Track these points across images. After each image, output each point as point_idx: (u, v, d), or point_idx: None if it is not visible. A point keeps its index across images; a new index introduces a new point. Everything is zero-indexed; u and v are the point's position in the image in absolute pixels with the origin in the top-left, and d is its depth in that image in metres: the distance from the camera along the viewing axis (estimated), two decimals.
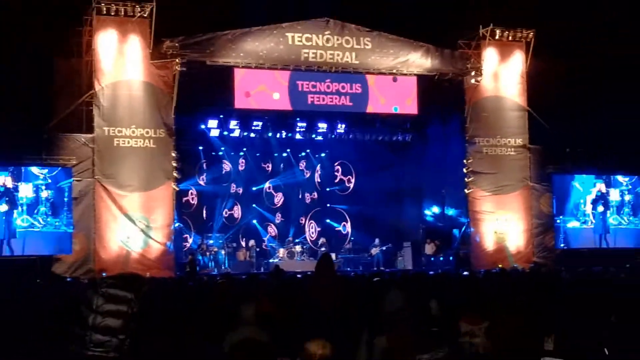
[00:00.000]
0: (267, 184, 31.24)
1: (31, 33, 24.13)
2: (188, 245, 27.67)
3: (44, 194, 23.94)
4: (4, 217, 23.50)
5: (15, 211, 23.67)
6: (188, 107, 25.93)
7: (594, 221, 28.75)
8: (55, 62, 25.16)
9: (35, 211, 23.82)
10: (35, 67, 24.98)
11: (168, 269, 24.18)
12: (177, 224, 26.23)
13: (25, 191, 23.86)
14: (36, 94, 25.04)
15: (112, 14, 24.50)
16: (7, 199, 23.66)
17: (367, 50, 26.74)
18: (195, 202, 29.71)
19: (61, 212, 24.03)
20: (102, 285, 2.99)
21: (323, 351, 4.65)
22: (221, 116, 27.50)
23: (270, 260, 27.52)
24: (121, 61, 24.78)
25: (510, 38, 28.65)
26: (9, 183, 23.71)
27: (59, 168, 24.25)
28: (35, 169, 24.01)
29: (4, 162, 23.93)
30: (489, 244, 27.93)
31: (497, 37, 28.43)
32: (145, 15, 24.68)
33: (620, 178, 29.34)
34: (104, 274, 20.83)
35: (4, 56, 24.57)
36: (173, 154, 25.37)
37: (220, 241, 28.28)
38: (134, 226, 24.41)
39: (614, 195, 29.10)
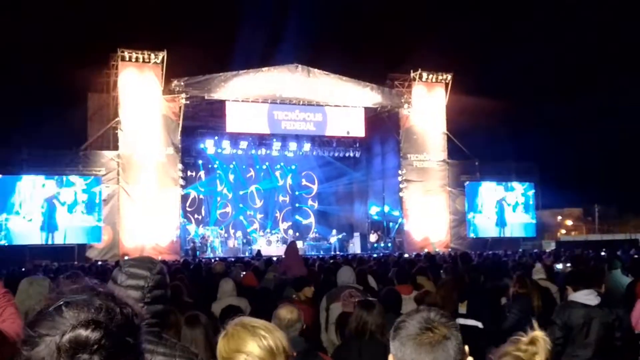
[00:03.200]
0: (250, 189, 31.96)
1: (71, 74, 25.06)
2: (190, 235, 28.28)
3: (81, 196, 24.76)
4: (54, 214, 24.23)
5: (59, 209, 24.50)
6: (190, 130, 26.99)
7: (495, 217, 29.63)
8: (90, 96, 26.22)
9: (74, 210, 24.61)
10: (74, 100, 26.03)
11: (175, 253, 24.82)
12: (182, 219, 26.94)
13: (67, 195, 24.58)
14: (75, 121, 25.88)
15: (133, 60, 25.17)
16: (52, 202, 24.59)
17: (326, 88, 27.40)
18: (196, 203, 30.48)
19: (93, 210, 24.80)
20: (125, 266, 2.78)
21: (291, 316, 4.33)
22: (216, 137, 28.33)
23: (253, 247, 27.84)
24: (139, 95, 25.29)
25: (433, 80, 29.47)
26: (53, 188, 24.45)
27: (92, 177, 25.01)
28: (74, 178, 24.74)
29: (51, 172, 24.62)
30: (417, 234, 28.60)
31: (423, 79, 29.28)
32: (158, 61, 25.32)
33: (515, 184, 30.26)
34: (126, 257, 21.32)
35: (51, 91, 25.40)
36: (179, 166, 26.23)
37: (215, 232, 28.87)
38: (150, 221, 25.06)
39: (511, 197, 30.03)
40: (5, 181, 24.07)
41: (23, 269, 18.39)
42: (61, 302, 1.32)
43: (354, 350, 4.72)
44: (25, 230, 23.95)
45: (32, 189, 24.20)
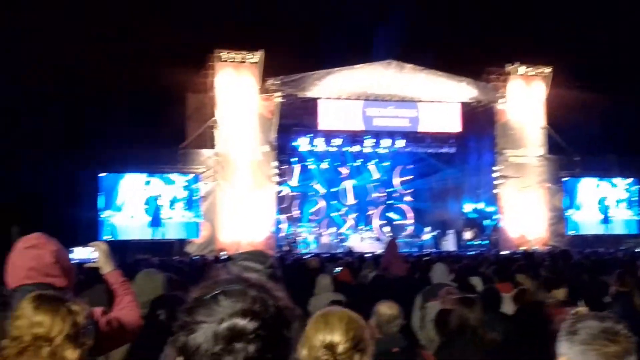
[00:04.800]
0: (343, 185, 31.90)
1: (170, 75, 25.49)
2: (283, 232, 28.56)
3: (181, 193, 25.49)
4: (158, 211, 25.11)
5: (161, 206, 25.35)
6: (285, 128, 27.14)
7: (596, 214, 28.72)
8: (188, 97, 26.75)
9: (175, 206, 25.39)
10: (173, 100, 26.47)
11: (271, 249, 24.71)
12: (277, 215, 27.27)
13: (169, 192, 25.40)
14: (174, 121, 26.56)
15: (230, 60, 25.72)
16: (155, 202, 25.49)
17: (420, 84, 27.14)
18: (291, 199, 30.81)
19: (193, 207, 25.46)
20: (238, 259, 2.79)
21: (391, 312, 4.37)
22: (309, 135, 28.45)
23: (345, 244, 27.76)
24: (236, 95, 25.69)
25: (532, 73, 28.79)
26: (156, 186, 25.29)
27: (191, 175, 25.71)
28: (174, 176, 25.51)
29: (152, 170, 25.52)
30: (513, 231, 27.93)
31: (521, 72, 28.64)
32: (254, 61, 25.71)
33: (618, 180, 29.24)
34: (223, 252, 22.02)
35: (151, 92, 26.16)
36: (274, 164, 26.49)
37: (309, 229, 29.14)
38: (246, 217, 25.42)
39: (613, 193, 29.04)
40: (109, 179, 25.03)
41: (128, 262, 19.19)
42: (218, 291, 1.37)
43: (457, 347, 4.73)
44: (129, 225, 24.87)
45: (134, 186, 25.10)
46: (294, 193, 30.85)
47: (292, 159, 29.98)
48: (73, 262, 3.22)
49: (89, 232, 22.51)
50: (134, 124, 25.10)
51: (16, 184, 22.15)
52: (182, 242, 25.37)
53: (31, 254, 3.02)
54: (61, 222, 19.18)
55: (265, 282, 1.44)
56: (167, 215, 25.26)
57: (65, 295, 2.66)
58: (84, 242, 3.42)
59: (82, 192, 24.69)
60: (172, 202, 25.37)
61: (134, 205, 25.07)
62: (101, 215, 24.69)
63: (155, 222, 25.18)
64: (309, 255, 19.49)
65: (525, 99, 28.77)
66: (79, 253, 3.40)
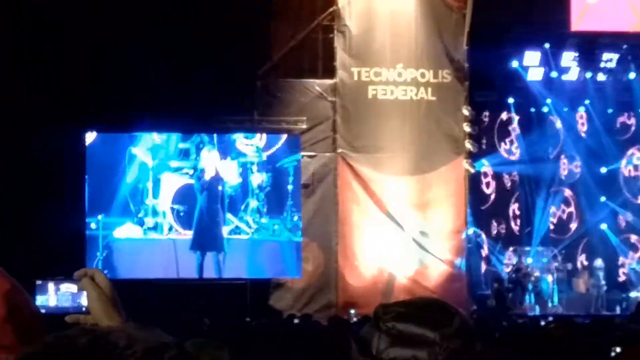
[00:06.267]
0: (624, 162, 15.65)
1: None
2: (488, 265, 14.64)
3: (256, 179, 12.60)
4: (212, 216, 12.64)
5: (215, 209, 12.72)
6: (490, 31, 13.80)
7: None
8: None
9: (242, 207, 12.63)
10: None
11: (457, 303, 11.29)
12: (471, 229, 13.66)
13: (226, 175, 12.59)
14: (245, 23, 12.98)
15: None
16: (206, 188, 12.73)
17: None
18: (499, 192, 15.47)
19: (283, 208, 12.76)
20: (387, 318, 1.44)
21: None
22: (547, 46, 14.13)
23: (632, 294, 14.19)
24: None
25: None
26: (213, 162, 12.52)
27: (280, 136, 12.88)
28: (241, 140, 12.65)
29: (193, 127, 12.82)
30: None
31: None
32: None
33: None
34: (352, 311, 12.09)
35: None
36: (465, 111, 13.49)
37: (544, 260, 14.61)
38: (401, 232, 13.15)
39: None
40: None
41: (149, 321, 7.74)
42: None
43: None
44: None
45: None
46: (512, 176, 15.24)
47: (507, 101, 14.56)
48: (43, 311, 1.97)
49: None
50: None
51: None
52: (262, 287, 13.30)
53: None
54: None
55: None
56: (227, 226, 12.70)
57: None
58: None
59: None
60: (238, 198, 12.76)
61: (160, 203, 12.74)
62: (91, 224, 12.59)
63: (201, 238, 12.65)
64: (549, 319, 11.76)
65: None
66: (58, 291, 2.04)
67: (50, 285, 2.03)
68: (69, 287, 1.97)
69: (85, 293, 1.82)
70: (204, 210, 12.22)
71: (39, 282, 2.03)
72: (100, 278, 1.82)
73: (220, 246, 12.42)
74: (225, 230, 12.22)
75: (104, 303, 1.80)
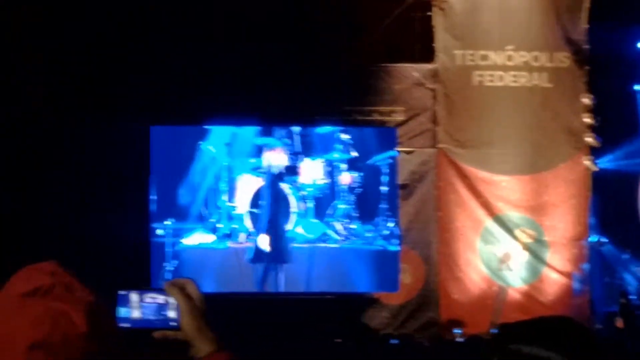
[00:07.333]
0: None
1: None
2: (613, 277, 12.36)
3: (344, 179, 10.91)
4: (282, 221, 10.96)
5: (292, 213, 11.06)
6: (616, 7, 11.56)
7: None
8: None
9: (330, 210, 10.96)
10: None
11: (584, 313, 11.41)
12: (595, 238, 11.79)
13: (309, 174, 10.92)
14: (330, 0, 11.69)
15: None
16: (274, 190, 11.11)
17: None
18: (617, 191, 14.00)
19: (376, 212, 11.05)
20: (509, 339, 1.35)
21: None
22: None
23: None
24: None
25: None
26: (294, 160, 10.99)
27: (372, 129, 11.36)
28: (327, 134, 11.13)
29: (272, 119, 11.07)
30: None
31: None
32: None
33: None
34: (457, 330, 10.54)
35: None
36: (586, 100, 11.31)
37: None
38: (513, 240, 11.24)
39: None
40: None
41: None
42: None
43: None
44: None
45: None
46: None
47: (635, 88, 12.98)
48: (127, 325, 1.88)
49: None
50: None
51: None
52: (353, 303, 11.58)
53: (35, 311, 1.45)
54: None
55: None
56: (311, 234, 11.12)
57: None
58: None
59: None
60: (325, 200, 11.09)
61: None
62: (157, 230, 10.97)
63: (281, 248, 10.89)
64: None
65: None
66: (142, 302, 1.92)
67: (134, 296, 1.86)
68: (154, 298, 1.85)
69: (171, 306, 1.78)
70: (282, 215, 10.81)
71: (122, 292, 1.82)
72: (192, 289, 1.81)
73: (303, 256, 11.02)
74: (309, 239, 10.79)
75: (196, 318, 1.75)
